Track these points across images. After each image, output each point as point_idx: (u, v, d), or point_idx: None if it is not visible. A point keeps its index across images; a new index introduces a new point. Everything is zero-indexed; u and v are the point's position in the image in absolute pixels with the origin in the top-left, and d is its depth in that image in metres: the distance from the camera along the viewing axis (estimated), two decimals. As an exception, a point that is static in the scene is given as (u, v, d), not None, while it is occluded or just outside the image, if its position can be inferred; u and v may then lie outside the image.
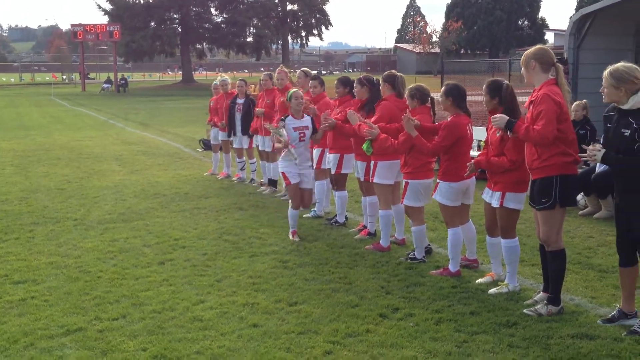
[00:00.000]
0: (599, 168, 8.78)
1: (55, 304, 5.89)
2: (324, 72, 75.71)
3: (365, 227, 8.29)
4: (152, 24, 63.23)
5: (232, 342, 5.02)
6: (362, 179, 8.15)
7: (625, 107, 4.93)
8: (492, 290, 6.14)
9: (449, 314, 5.57)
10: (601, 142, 5.44)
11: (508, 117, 5.64)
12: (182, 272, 6.74)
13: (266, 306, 5.75)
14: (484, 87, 6.11)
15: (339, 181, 8.60)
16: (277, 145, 7.96)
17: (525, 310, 5.59)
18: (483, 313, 5.58)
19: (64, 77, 76.36)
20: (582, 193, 9.60)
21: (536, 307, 5.60)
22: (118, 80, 55.34)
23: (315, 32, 72.20)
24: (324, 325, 5.32)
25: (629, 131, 4.87)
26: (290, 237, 8.00)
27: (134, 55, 64.52)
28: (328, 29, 72.97)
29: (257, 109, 10.81)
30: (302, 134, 8.00)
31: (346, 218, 8.80)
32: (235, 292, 6.12)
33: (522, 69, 5.65)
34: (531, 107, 5.51)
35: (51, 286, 6.36)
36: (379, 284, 6.34)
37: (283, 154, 7.95)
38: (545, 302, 5.62)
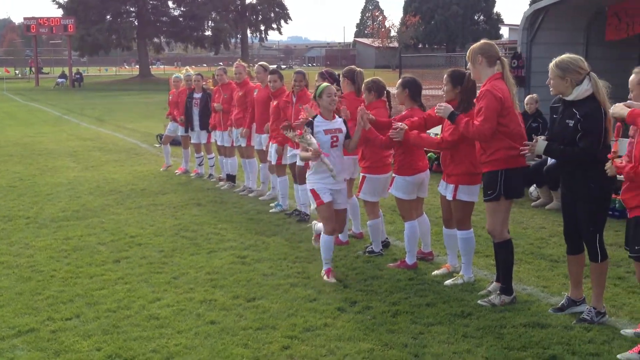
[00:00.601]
0: (551, 160, 8.97)
1: (7, 304, 5.76)
2: (283, 66, 75.42)
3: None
4: (108, 17, 62.09)
5: (188, 339, 4.99)
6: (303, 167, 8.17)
7: (570, 97, 5.02)
8: (448, 282, 6.23)
9: (406, 306, 5.63)
10: (546, 133, 5.57)
11: (452, 109, 5.74)
12: (138, 270, 6.67)
13: (224, 302, 5.73)
14: (445, 76, 6.14)
15: (301, 175, 8.49)
16: (304, 155, 6.34)
17: (479, 301, 5.68)
18: (439, 304, 5.66)
19: (17, 71, 74.50)
20: (534, 185, 9.82)
21: (490, 298, 5.70)
22: (73, 74, 54.22)
23: (274, 26, 71.94)
24: (281, 320, 5.32)
25: (573, 122, 4.97)
26: (325, 277, 6.30)
27: (89, 49, 63.27)
28: (287, 23, 72.61)
29: (215, 104, 10.73)
30: (334, 139, 6.37)
31: (306, 214, 8.80)
32: (192, 289, 6.08)
33: (469, 64, 5.70)
34: (476, 101, 5.62)
35: (2, 286, 6.22)
36: (337, 278, 6.37)
37: (312, 166, 6.38)
38: (498, 292, 5.73)
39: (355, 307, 5.63)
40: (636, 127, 4.56)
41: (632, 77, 4.65)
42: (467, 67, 5.79)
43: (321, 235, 6.39)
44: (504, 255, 5.73)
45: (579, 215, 5.16)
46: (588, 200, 5.08)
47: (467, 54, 5.73)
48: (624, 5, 11.88)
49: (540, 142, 5.05)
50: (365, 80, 7.25)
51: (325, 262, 6.37)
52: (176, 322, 5.31)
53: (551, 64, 5.10)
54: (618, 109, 4.33)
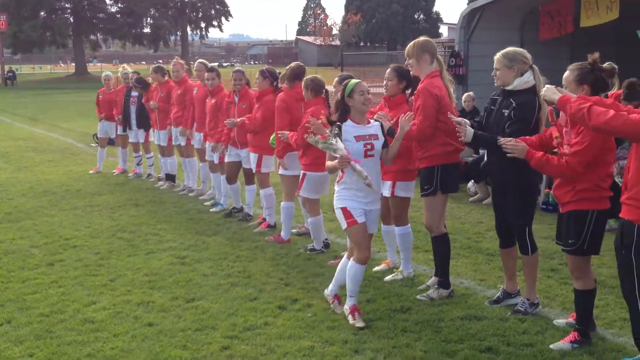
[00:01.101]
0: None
1: None
2: (225, 64, 74.80)
3: (265, 219, 8.28)
4: (42, 13, 60.25)
5: (125, 342, 4.88)
6: (254, 171, 8.14)
7: (510, 87, 5.12)
8: (388, 278, 6.29)
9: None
10: (478, 119, 5.65)
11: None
12: (72, 273, 6.48)
13: (162, 304, 5.63)
14: (389, 70, 6.11)
15: (263, 180, 8.28)
16: (330, 165, 5.13)
17: (418, 296, 5.75)
18: (379, 300, 5.71)
19: (-54, 69, 71.62)
20: (472, 181, 10.01)
21: (428, 292, 5.79)
22: (5, 72, 52.47)
23: (215, 23, 71.29)
24: (221, 321, 5.27)
25: (508, 111, 5.06)
26: (350, 318, 5.24)
27: (23, 47, 61.38)
28: (228, 20, 72.19)
29: (151, 102, 10.53)
30: (369, 146, 5.20)
31: (248, 214, 8.74)
32: (129, 291, 5.95)
33: (411, 60, 5.71)
34: (414, 99, 5.69)
35: None
36: (278, 276, 6.35)
37: (340, 179, 5.23)
38: (436, 286, 5.82)
39: (296, 305, 5.61)
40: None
41: (566, 73, 4.78)
42: (406, 63, 5.82)
43: (350, 264, 5.26)
44: (441, 249, 5.82)
45: (508, 209, 5.29)
46: (515, 192, 5.19)
47: (408, 49, 5.73)
48: (556, 5, 12.19)
49: (469, 129, 5.09)
50: (304, 79, 7.25)
51: (351, 296, 5.26)
52: (112, 326, 5.19)
53: (498, 55, 5.18)
54: (550, 92, 4.35)
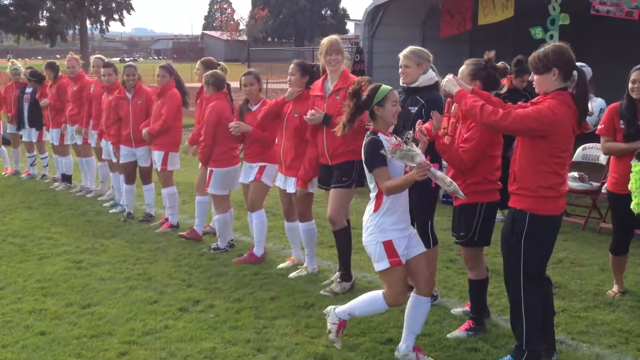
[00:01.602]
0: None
1: None
2: (127, 59, 72.70)
3: (167, 219, 8.09)
4: None
5: (15, 353, 4.62)
6: (158, 169, 7.94)
7: (414, 85, 5.20)
8: (292, 274, 6.28)
9: (250, 302, 5.59)
10: None
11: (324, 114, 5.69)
12: (-42, 282, 6.10)
13: (55, 311, 5.37)
14: (292, 66, 6.11)
15: (167, 179, 8.03)
16: (401, 181, 4.23)
17: (322, 292, 5.77)
18: (283, 297, 5.68)
19: None
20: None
21: (331, 287, 5.82)
22: None
23: (116, 16, 68.99)
24: (119, 326, 5.09)
25: (417, 108, 5.14)
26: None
27: None
28: (130, 14, 70.15)
29: (43, 100, 10.05)
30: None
31: (150, 214, 8.52)
32: (20, 299, 5.65)
33: (336, 55, 5.65)
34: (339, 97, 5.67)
35: None
36: (180, 278, 6.21)
37: (380, 204, 4.35)
38: (338, 280, 5.85)
39: (198, 306, 5.51)
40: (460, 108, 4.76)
41: (462, 67, 4.90)
42: (314, 60, 5.83)
43: (383, 307, 4.51)
44: (343, 242, 5.86)
45: (411, 205, 5.37)
46: (418, 188, 5.28)
47: (329, 46, 5.63)
48: (455, 3, 12.57)
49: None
50: (204, 74, 7.13)
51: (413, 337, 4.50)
52: (1, 336, 4.91)
53: (407, 53, 5.20)
54: (450, 84, 4.36)
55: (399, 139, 4.14)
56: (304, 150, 6.05)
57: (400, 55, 5.25)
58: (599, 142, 5.91)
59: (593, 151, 8.14)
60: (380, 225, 4.29)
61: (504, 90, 7.39)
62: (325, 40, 5.71)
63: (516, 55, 8.04)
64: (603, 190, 7.69)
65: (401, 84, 5.31)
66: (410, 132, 4.20)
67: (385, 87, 4.48)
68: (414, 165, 4.06)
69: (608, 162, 7.80)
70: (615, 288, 5.71)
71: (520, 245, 4.15)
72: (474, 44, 13.97)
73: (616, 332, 4.87)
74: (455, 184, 4.16)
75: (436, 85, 5.17)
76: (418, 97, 5.16)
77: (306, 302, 5.57)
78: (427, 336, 4.83)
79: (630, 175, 5.09)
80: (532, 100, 4.22)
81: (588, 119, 4.37)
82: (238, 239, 7.51)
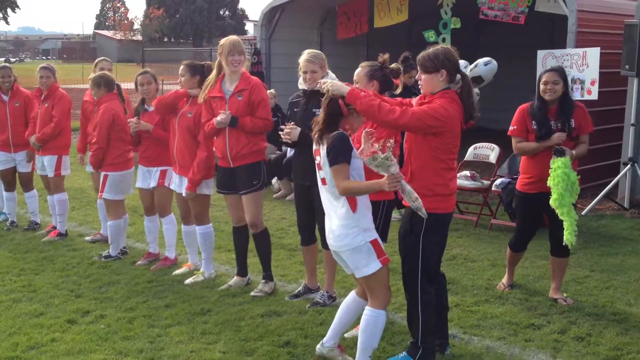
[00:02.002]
0: (290, 153, 9.32)
1: None
2: (12, 59, 69.08)
3: (55, 227, 7.70)
4: None
5: None
6: (51, 175, 7.55)
7: (318, 87, 5.14)
8: (189, 280, 6.14)
9: (143, 310, 5.42)
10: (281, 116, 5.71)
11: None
12: None
13: None
14: (182, 67, 6.06)
15: (58, 185, 7.61)
16: (372, 185, 4.03)
17: (252, 293, 5.72)
18: (178, 304, 5.54)
19: None
20: (276, 177, 10.14)
21: (260, 288, 5.79)
22: None
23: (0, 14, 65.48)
24: (1, 341, 4.79)
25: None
26: None
27: None
28: (15, 12, 66.53)
29: None
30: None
31: (35, 222, 8.08)
32: None
33: (238, 56, 5.57)
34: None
35: None
36: (68, 288, 5.92)
37: (356, 206, 4.09)
38: (264, 280, 5.85)
39: (87, 317, 5.27)
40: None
41: (358, 69, 4.95)
42: (215, 60, 5.70)
43: (371, 312, 4.13)
44: (265, 245, 5.89)
45: (315, 205, 5.38)
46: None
47: (231, 47, 5.53)
48: (351, 5, 12.73)
49: (296, 130, 5.18)
50: (93, 77, 6.86)
51: (369, 355, 4.20)
52: None
53: (309, 58, 5.24)
54: (338, 85, 4.27)
55: (376, 145, 3.94)
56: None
57: (303, 61, 5.26)
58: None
59: (484, 150, 8.45)
60: (364, 224, 4.05)
61: (399, 90, 7.55)
62: (226, 41, 5.63)
63: (413, 56, 8.25)
64: (494, 188, 8.02)
65: (306, 88, 5.32)
66: (391, 140, 4.02)
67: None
68: (385, 173, 3.89)
69: (497, 161, 8.16)
70: (504, 280, 5.89)
71: (419, 244, 4.23)
72: (370, 47, 14.20)
73: (505, 324, 5.05)
74: (420, 200, 3.98)
75: None
76: (321, 99, 5.16)
77: (202, 308, 5.45)
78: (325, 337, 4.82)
79: (550, 172, 5.18)
80: (419, 100, 4.32)
81: None
82: (131, 245, 7.27)
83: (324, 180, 4.10)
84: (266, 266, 5.90)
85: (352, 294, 4.38)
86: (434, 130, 4.09)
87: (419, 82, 4.32)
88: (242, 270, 6.05)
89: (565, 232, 5.14)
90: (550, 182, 5.19)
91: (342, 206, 4.02)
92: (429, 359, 4.33)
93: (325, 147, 4.00)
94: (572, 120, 5.35)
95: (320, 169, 4.11)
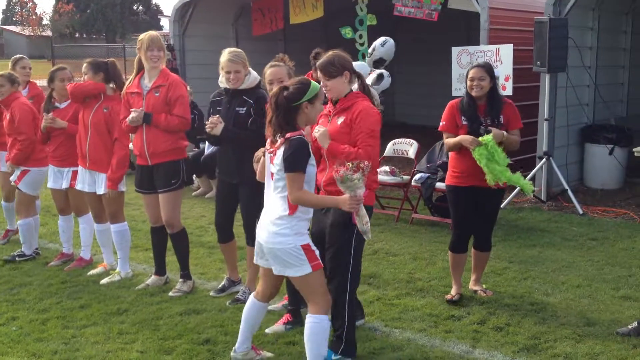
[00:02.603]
0: (208, 150, 9.17)
1: None
2: None
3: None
4: None
5: None
6: None
7: (242, 87, 5.22)
8: (104, 280, 5.95)
9: (57, 311, 5.22)
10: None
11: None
12: None
13: None
14: (84, 65, 5.94)
15: None
16: (328, 201, 4.07)
17: (170, 293, 5.59)
18: (93, 305, 5.36)
19: None
20: (194, 175, 9.95)
21: (179, 287, 5.66)
22: None
23: None
24: None
25: (245, 108, 5.18)
26: None
27: None
28: None
29: None
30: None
31: None
32: None
33: (158, 52, 5.46)
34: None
35: None
36: (-26, 291, 5.61)
37: (295, 210, 3.97)
38: (182, 280, 5.73)
39: (-3, 320, 5.01)
40: None
41: (274, 69, 4.98)
42: (126, 58, 5.54)
43: (314, 319, 3.99)
44: (183, 244, 5.76)
45: (241, 201, 5.34)
46: (247, 186, 5.26)
47: (156, 44, 5.43)
48: (266, 1, 12.64)
49: (219, 125, 5.12)
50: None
51: None
52: None
53: (231, 57, 5.17)
54: (322, 136, 4.38)
55: (350, 165, 3.81)
56: (112, 146, 5.81)
57: (225, 61, 5.18)
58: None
59: (402, 145, 8.55)
60: (297, 228, 3.93)
61: None
62: (145, 36, 5.50)
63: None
64: (413, 183, 8.13)
65: (229, 87, 5.25)
66: (366, 162, 3.88)
67: (315, 84, 4.04)
68: (350, 194, 3.82)
69: (416, 156, 8.28)
70: (453, 290, 5.50)
71: (352, 242, 4.24)
72: (287, 43, 14.17)
73: (426, 316, 5.12)
74: (369, 224, 3.98)
75: (259, 84, 5.26)
76: (245, 98, 5.21)
77: (119, 308, 5.28)
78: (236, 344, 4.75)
79: (475, 156, 5.14)
80: (339, 107, 4.38)
81: None
82: (44, 246, 6.98)
83: (272, 175, 4.01)
84: (184, 266, 5.78)
85: (251, 299, 4.30)
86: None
87: (325, 89, 4.36)
88: (160, 270, 5.91)
89: (523, 188, 5.30)
90: (479, 163, 5.12)
91: (281, 206, 3.93)
92: (351, 353, 4.34)
93: (282, 148, 3.87)
94: (501, 116, 5.28)
95: (271, 162, 3.98)
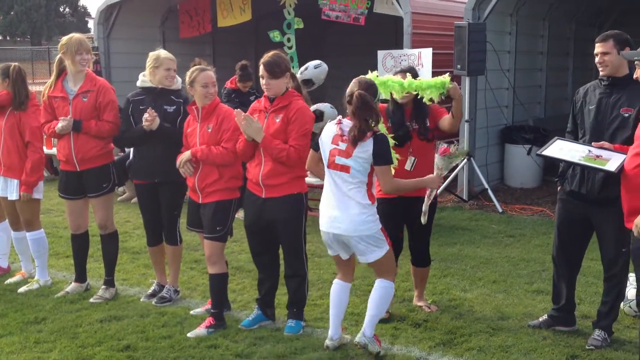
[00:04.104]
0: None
1: None
2: None
3: None
4: None
5: None
6: None
7: (174, 87, 5.31)
8: (22, 289, 5.80)
9: (-29, 323, 5.03)
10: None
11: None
12: None
13: None
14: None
15: None
16: (422, 182, 4.68)
17: (91, 300, 5.48)
18: (10, 314, 5.22)
19: None
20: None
21: (100, 294, 5.56)
22: None
23: None
24: None
25: (174, 107, 5.25)
26: (378, 346, 4.50)
27: None
28: None
29: None
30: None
31: None
32: None
33: (86, 55, 5.36)
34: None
35: None
36: None
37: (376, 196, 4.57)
38: (105, 286, 5.62)
39: None
40: None
41: (209, 73, 4.96)
42: (50, 60, 5.45)
43: (384, 284, 4.53)
44: (113, 247, 5.70)
45: (162, 201, 5.37)
46: (167, 189, 5.31)
47: (85, 47, 5.34)
48: (193, 4, 12.54)
49: (157, 119, 5.10)
50: None
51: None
52: None
53: (170, 55, 5.26)
54: (255, 131, 4.67)
55: (445, 145, 4.42)
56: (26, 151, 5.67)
57: (166, 58, 5.23)
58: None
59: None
60: (376, 215, 4.44)
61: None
62: (71, 39, 5.38)
63: (260, 56, 8.31)
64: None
65: (155, 85, 5.26)
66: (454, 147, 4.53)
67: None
68: (444, 172, 4.62)
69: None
70: (416, 300, 5.38)
71: (302, 227, 4.86)
72: (216, 46, 14.11)
73: (348, 315, 5.17)
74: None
75: (182, 86, 5.30)
76: (173, 97, 5.28)
77: (36, 317, 5.15)
78: (167, 338, 4.73)
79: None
80: (277, 105, 4.67)
81: None
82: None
83: (346, 168, 4.33)
84: (109, 271, 5.69)
85: (336, 283, 4.67)
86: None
87: (265, 87, 4.70)
88: (81, 277, 5.80)
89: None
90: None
91: (362, 196, 4.35)
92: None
93: (366, 143, 4.28)
94: (427, 120, 5.11)
95: (346, 156, 4.33)
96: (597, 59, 4.57)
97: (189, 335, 4.75)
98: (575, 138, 4.72)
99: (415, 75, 5.20)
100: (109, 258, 5.69)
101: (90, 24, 77.51)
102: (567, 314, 4.90)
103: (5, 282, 5.96)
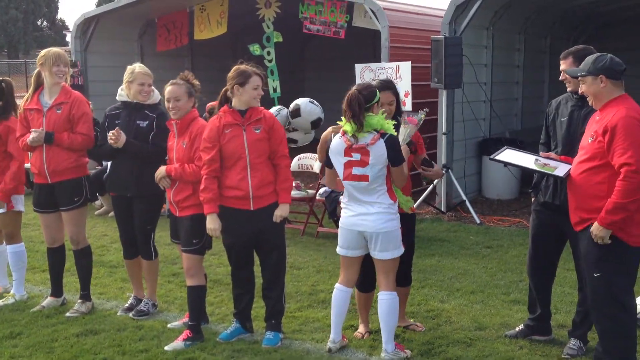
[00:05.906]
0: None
1: None
2: None
3: None
4: None
5: None
6: None
7: (148, 102, 5.30)
8: (-4, 304, 5.72)
9: (-57, 339, 4.95)
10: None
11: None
12: None
13: None
14: None
15: None
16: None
17: (67, 314, 5.45)
18: (-16, 330, 5.14)
19: None
20: (97, 193, 9.70)
21: (77, 308, 5.53)
22: None
23: None
24: None
25: (147, 122, 5.23)
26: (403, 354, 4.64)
27: None
28: None
29: None
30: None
31: None
32: None
33: (64, 67, 5.37)
34: None
35: None
36: None
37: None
38: (81, 300, 5.59)
39: None
40: None
41: (174, 87, 4.99)
42: (28, 74, 5.44)
43: (392, 298, 4.61)
44: (86, 262, 5.65)
45: (136, 215, 5.34)
46: (142, 202, 5.29)
47: (48, 58, 5.32)
48: (171, 17, 12.55)
49: (123, 135, 5.10)
50: None
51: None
52: None
53: (147, 71, 5.28)
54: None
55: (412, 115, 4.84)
56: (7, 163, 5.64)
57: (140, 73, 5.25)
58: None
59: (307, 160, 8.70)
60: (397, 213, 4.62)
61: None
62: (49, 52, 5.40)
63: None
64: (318, 197, 8.24)
65: (131, 100, 5.27)
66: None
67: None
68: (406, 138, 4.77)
69: (320, 170, 8.41)
70: (361, 327, 5.11)
71: (284, 235, 4.99)
72: (195, 59, 14.12)
73: (326, 327, 5.16)
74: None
75: (160, 102, 5.32)
76: (147, 112, 5.26)
77: (12, 331, 5.10)
78: (144, 352, 4.70)
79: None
80: (253, 117, 4.78)
81: None
82: None
83: (365, 177, 4.47)
84: (85, 285, 5.65)
85: (337, 289, 4.75)
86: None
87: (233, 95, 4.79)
88: (57, 291, 5.75)
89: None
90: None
91: (385, 196, 4.55)
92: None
93: (377, 145, 4.43)
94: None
95: (363, 165, 4.46)
96: (560, 76, 4.65)
97: (166, 348, 4.72)
98: (548, 149, 4.79)
99: (396, 92, 5.04)
100: (82, 273, 5.65)
101: (69, 38, 77.28)
102: (543, 323, 4.94)
103: (-20, 298, 5.89)
